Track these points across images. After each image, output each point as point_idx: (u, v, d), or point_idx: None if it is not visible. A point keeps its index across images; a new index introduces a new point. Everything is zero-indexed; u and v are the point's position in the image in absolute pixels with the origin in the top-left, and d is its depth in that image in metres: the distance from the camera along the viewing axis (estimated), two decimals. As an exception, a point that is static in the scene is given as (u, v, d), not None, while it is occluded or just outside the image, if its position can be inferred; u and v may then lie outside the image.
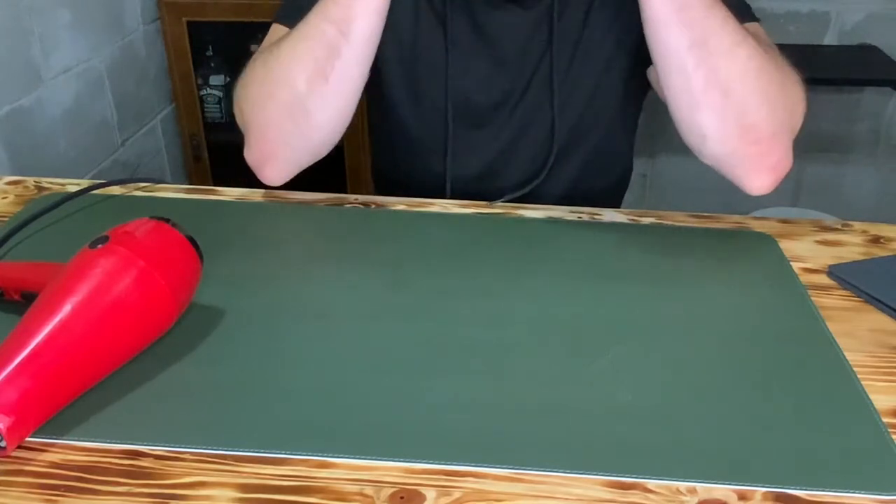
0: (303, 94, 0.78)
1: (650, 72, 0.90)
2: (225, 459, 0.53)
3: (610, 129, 0.97)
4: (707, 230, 0.82)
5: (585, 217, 0.85)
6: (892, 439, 0.55)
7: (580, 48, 0.90)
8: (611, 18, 0.89)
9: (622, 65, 0.91)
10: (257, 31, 1.84)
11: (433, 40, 0.90)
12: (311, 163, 0.84)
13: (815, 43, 2.01)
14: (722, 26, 0.73)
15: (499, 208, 0.86)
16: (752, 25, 0.84)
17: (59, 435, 0.54)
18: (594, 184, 0.99)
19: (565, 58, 0.90)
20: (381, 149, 1.06)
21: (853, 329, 0.68)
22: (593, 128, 0.95)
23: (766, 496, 0.51)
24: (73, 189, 0.87)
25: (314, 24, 0.78)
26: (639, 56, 0.89)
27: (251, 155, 0.83)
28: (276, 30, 0.89)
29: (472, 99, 0.93)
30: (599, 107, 0.94)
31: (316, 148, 0.83)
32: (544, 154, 0.94)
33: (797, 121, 0.80)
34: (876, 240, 0.82)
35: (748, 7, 0.87)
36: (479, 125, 0.94)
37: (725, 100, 0.74)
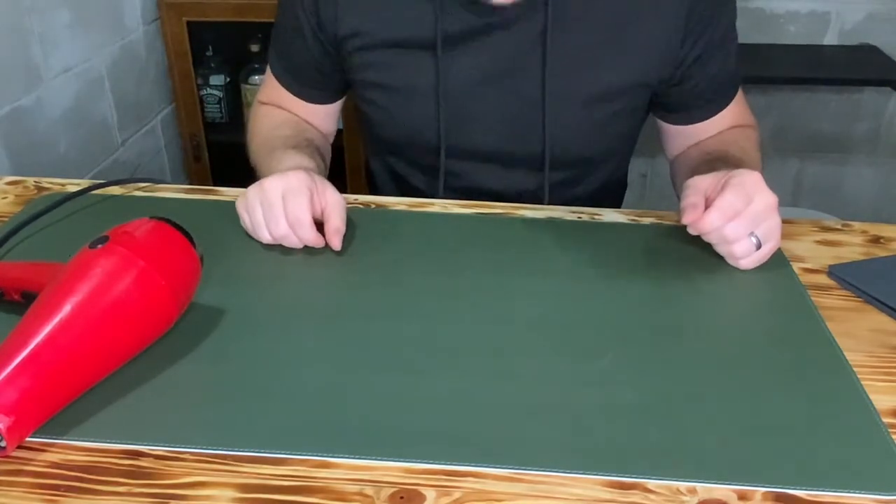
0: None
1: (661, 126, 0.99)
2: (225, 459, 0.53)
3: (606, 160, 0.98)
4: (707, 230, 0.82)
5: (585, 217, 0.85)
6: (892, 439, 0.55)
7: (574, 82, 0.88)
8: (605, 58, 0.87)
9: (620, 106, 0.91)
10: (257, 31, 1.85)
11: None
12: None
13: (815, 43, 2.01)
14: None
15: (498, 208, 0.86)
16: (738, 97, 0.95)
17: (59, 435, 0.54)
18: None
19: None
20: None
21: (853, 329, 0.68)
22: (589, 163, 0.96)
23: (766, 496, 0.51)
24: (73, 189, 0.87)
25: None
26: (637, 100, 0.91)
27: None
28: (269, 79, 1.00)
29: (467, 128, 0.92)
30: (592, 142, 0.94)
31: None
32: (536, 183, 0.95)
33: None
34: (876, 240, 0.82)
35: (739, 81, 0.95)
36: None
37: None
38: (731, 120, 0.95)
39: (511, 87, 0.88)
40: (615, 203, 1.07)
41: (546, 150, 0.90)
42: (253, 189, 0.77)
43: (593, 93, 0.88)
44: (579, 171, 0.96)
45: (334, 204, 0.77)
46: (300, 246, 0.77)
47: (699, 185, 0.74)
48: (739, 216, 0.71)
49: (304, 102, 0.99)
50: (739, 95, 0.95)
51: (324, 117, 1.01)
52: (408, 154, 0.98)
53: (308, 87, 0.98)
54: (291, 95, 0.98)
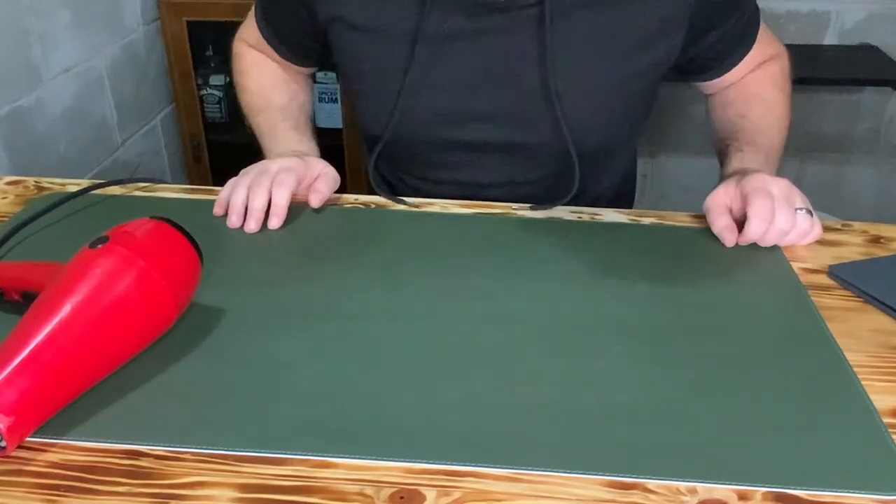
0: None
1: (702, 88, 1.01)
2: (225, 459, 0.53)
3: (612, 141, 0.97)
4: (707, 230, 0.82)
5: (585, 217, 0.85)
6: (892, 439, 0.55)
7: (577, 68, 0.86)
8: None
9: (632, 89, 0.90)
10: (257, 31, 1.85)
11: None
12: None
13: (815, 43, 2.01)
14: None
15: (498, 208, 0.86)
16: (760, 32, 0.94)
17: (59, 435, 0.54)
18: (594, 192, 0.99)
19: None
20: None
21: (853, 329, 0.68)
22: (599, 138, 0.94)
23: (766, 496, 0.51)
24: (73, 189, 0.87)
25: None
26: (649, 81, 0.91)
27: None
28: (253, 22, 1.00)
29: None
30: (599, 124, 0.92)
31: None
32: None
33: None
34: (876, 240, 0.83)
35: (757, 21, 0.94)
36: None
37: None
38: (756, 59, 0.96)
39: (513, 82, 0.87)
40: (621, 197, 1.06)
41: (542, 141, 0.90)
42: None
43: (601, 82, 0.87)
44: (593, 163, 0.93)
45: (325, 174, 0.86)
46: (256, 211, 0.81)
47: (718, 205, 0.80)
48: (778, 207, 0.76)
49: (290, 64, 1.02)
50: (762, 30, 0.95)
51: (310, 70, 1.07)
52: (403, 154, 0.97)
53: (295, 54, 1.01)
54: (278, 55, 1.01)
